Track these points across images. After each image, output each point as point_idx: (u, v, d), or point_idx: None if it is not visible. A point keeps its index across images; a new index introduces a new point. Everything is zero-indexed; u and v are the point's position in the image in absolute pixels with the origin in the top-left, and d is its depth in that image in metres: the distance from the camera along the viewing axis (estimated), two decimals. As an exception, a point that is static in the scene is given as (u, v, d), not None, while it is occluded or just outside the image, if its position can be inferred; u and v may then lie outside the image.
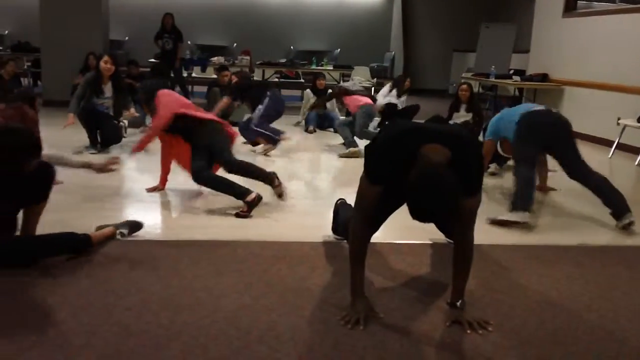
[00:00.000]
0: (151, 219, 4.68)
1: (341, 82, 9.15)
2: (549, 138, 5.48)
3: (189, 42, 16.29)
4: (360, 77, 15.58)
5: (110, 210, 4.99)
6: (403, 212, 5.28)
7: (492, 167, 6.92)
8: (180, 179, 5.79)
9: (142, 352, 2.82)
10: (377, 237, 4.80)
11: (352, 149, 7.92)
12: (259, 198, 5.00)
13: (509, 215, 5.16)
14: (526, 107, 5.76)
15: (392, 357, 2.89)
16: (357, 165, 7.30)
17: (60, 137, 7.22)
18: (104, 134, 7.52)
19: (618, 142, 9.12)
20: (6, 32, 17.35)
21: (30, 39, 14.51)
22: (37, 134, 4.48)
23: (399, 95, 10.29)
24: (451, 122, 9.06)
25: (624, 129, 9.03)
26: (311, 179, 6.97)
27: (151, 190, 5.61)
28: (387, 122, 7.69)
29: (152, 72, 10.56)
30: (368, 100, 8.45)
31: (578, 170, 5.40)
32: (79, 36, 11.86)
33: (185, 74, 13.81)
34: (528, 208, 5.20)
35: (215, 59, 14.29)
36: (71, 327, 3.01)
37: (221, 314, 3.24)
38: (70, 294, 3.35)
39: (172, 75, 12.70)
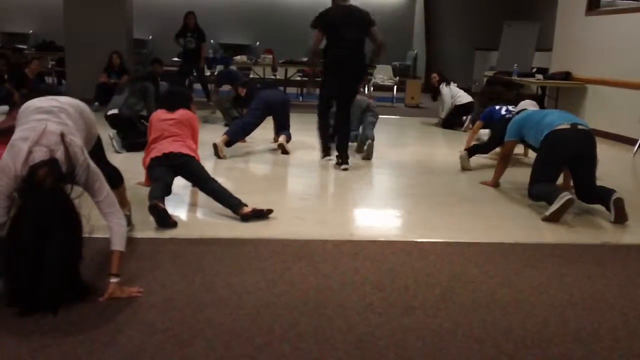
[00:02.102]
0: (175, 217, 4.71)
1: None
2: (571, 161, 5.59)
3: (212, 41, 16.33)
4: (382, 75, 15.58)
5: (134, 206, 5.03)
6: (426, 211, 5.30)
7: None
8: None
9: (166, 349, 2.85)
10: (399, 235, 4.84)
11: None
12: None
13: (552, 207, 5.23)
14: (553, 118, 5.67)
15: (414, 355, 2.90)
16: (379, 164, 7.31)
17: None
18: (128, 139, 7.55)
19: (642, 140, 9.06)
20: (31, 31, 17.51)
21: (55, 38, 14.65)
22: None
23: None
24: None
25: (647, 127, 8.98)
26: (333, 178, 6.98)
27: (140, 184, 5.67)
28: None
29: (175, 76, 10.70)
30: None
31: (589, 195, 5.55)
32: (103, 35, 11.96)
33: (208, 73, 13.86)
34: (559, 193, 5.26)
35: (238, 57, 14.33)
36: (95, 324, 3.05)
37: (244, 312, 3.26)
38: (95, 291, 3.38)
39: (194, 74, 12.77)
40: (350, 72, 7.18)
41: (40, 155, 3.16)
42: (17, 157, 3.16)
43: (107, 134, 7.34)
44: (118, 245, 3.41)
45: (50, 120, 3.38)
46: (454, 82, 11.42)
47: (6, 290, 3.14)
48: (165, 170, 5.10)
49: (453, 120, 11.01)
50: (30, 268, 3.07)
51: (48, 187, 3.14)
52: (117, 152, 7.31)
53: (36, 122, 3.35)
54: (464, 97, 11.07)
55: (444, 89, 11.22)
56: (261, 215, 4.95)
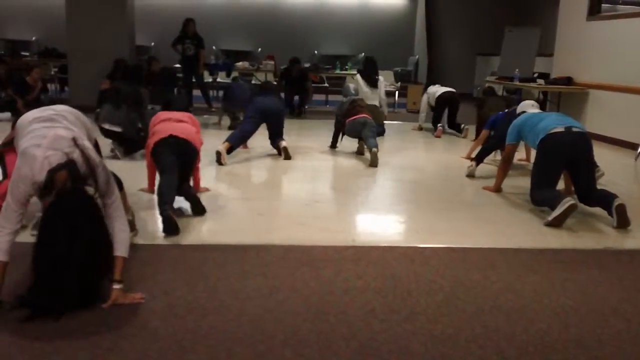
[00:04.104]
0: (178, 223, 4.71)
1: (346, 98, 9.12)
2: (567, 164, 5.60)
3: (213, 47, 16.36)
4: (384, 81, 15.60)
5: (137, 213, 5.03)
6: (428, 217, 5.30)
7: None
8: (209, 184, 5.88)
9: (168, 355, 2.85)
10: (402, 240, 4.83)
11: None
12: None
13: (554, 212, 5.23)
14: (548, 122, 5.67)
15: (417, 361, 2.90)
16: (381, 170, 7.31)
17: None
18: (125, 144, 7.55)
19: (644, 145, 9.04)
20: (33, 38, 17.55)
21: (57, 45, 14.65)
22: None
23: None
24: None
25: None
26: (335, 184, 6.98)
27: (143, 190, 5.75)
28: None
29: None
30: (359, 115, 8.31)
31: (588, 198, 5.54)
32: (105, 42, 11.97)
33: (210, 79, 13.88)
34: (562, 198, 5.25)
35: (239, 63, 14.35)
36: (97, 331, 3.05)
37: (246, 318, 3.26)
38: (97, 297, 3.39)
39: (194, 80, 12.78)
40: None
41: (56, 159, 3.20)
42: (32, 163, 3.20)
43: (109, 146, 7.39)
44: (121, 251, 3.42)
45: (56, 126, 3.41)
46: (435, 84, 11.41)
47: (29, 291, 3.18)
48: (170, 156, 5.10)
49: (439, 114, 10.94)
50: (58, 268, 3.11)
51: (70, 189, 3.18)
52: (119, 158, 7.32)
53: (44, 130, 3.38)
54: (439, 90, 10.98)
55: (422, 97, 11.52)
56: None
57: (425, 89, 11.71)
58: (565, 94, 11.56)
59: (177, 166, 5.06)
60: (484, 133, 8.15)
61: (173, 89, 11.35)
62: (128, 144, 7.49)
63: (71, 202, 3.19)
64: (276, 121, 8.01)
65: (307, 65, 15.20)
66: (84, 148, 3.31)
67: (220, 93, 14.06)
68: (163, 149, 5.11)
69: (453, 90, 10.95)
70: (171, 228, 4.60)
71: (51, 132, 3.34)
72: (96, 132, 4.66)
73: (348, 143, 8.56)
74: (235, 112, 10.21)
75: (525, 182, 6.21)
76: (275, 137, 8.04)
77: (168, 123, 5.33)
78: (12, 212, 3.21)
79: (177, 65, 13.12)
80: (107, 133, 7.46)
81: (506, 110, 7.87)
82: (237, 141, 7.75)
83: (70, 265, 3.11)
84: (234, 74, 13.66)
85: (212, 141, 7.92)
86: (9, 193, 3.23)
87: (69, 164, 3.19)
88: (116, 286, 3.35)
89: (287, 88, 13.04)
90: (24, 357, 2.77)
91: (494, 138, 7.48)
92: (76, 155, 3.25)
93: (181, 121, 5.43)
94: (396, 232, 5.14)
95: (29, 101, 10.36)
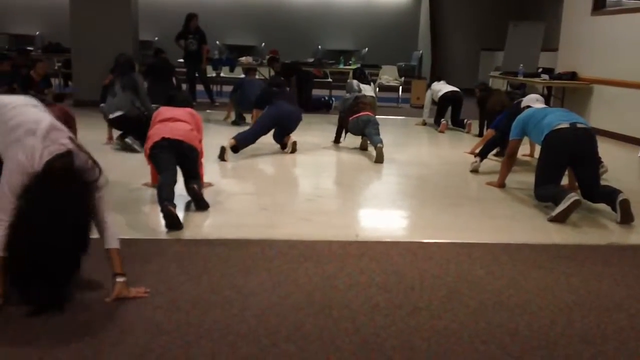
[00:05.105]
0: (181, 218, 4.71)
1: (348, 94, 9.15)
2: (571, 160, 5.59)
3: (217, 42, 16.35)
4: (388, 76, 15.58)
5: (140, 208, 5.03)
6: (432, 212, 5.29)
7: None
8: (212, 179, 5.88)
9: (172, 350, 2.85)
10: (405, 235, 4.83)
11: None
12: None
13: (559, 208, 5.21)
14: (553, 118, 5.66)
15: (420, 356, 2.90)
16: (385, 165, 7.30)
17: (94, 136, 7.24)
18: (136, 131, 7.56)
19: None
20: (37, 33, 17.56)
21: (61, 39, 14.67)
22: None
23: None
24: None
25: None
26: (339, 179, 6.98)
27: (147, 184, 5.79)
28: None
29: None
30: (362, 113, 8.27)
31: (592, 194, 5.52)
32: (109, 37, 11.96)
33: (213, 74, 13.87)
34: (566, 194, 5.25)
35: (243, 58, 14.35)
36: (102, 325, 3.05)
37: (250, 313, 3.26)
38: (101, 292, 3.39)
39: (197, 75, 12.76)
40: None
41: (55, 149, 3.19)
42: (30, 153, 3.15)
43: (126, 140, 7.43)
44: (115, 243, 3.40)
45: (46, 111, 3.42)
46: (440, 80, 11.40)
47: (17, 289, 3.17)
48: (166, 156, 5.12)
49: (441, 112, 10.92)
50: (38, 255, 3.07)
51: (63, 176, 3.14)
52: (139, 151, 7.26)
53: (35, 115, 3.35)
54: (442, 90, 10.92)
55: (426, 92, 11.56)
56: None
57: (429, 85, 11.72)
58: (569, 89, 11.55)
59: (174, 163, 5.09)
60: (490, 132, 8.14)
61: (170, 83, 11.29)
62: (139, 130, 7.45)
63: (61, 182, 3.14)
64: (291, 127, 8.02)
65: (310, 60, 15.20)
66: (79, 144, 3.30)
67: (224, 88, 14.12)
68: (158, 151, 5.13)
69: (457, 90, 10.89)
70: (172, 223, 4.60)
71: (47, 118, 3.33)
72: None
73: (351, 138, 8.55)
74: (243, 111, 10.23)
75: (529, 178, 6.21)
76: (283, 135, 8.03)
77: (163, 124, 5.31)
78: (9, 204, 3.12)
79: (181, 60, 13.12)
80: (114, 123, 7.51)
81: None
82: (246, 141, 7.67)
83: (52, 253, 3.08)
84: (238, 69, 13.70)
85: (213, 137, 7.92)
86: (4, 183, 3.14)
87: (67, 155, 3.18)
88: (119, 279, 3.35)
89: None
90: (28, 353, 2.78)
91: (498, 132, 7.47)
92: (72, 147, 3.24)
93: (178, 120, 5.40)
94: (400, 227, 5.14)
95: (32, 94, 10.33)
